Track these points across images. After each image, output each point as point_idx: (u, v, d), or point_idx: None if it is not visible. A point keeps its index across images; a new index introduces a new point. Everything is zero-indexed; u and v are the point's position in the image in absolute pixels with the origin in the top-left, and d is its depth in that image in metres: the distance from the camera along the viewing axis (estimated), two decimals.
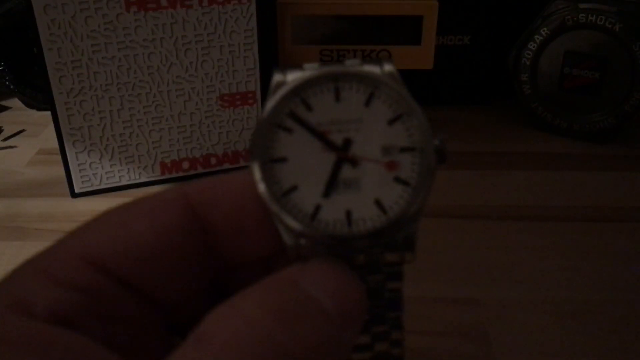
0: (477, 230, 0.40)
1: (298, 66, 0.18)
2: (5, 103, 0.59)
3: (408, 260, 0.17)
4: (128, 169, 0.45)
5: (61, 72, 0.41)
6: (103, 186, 0.45)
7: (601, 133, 0.50)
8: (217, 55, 0.43)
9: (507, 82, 0.53)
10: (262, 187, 0.17)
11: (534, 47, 0.50)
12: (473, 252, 0.38)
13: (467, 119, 0.55)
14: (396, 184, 0.17)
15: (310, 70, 0.18)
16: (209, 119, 0.45)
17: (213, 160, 0.47)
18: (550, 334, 0.32)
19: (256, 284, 0.15)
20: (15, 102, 0.58)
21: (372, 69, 0.18)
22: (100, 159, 0.44)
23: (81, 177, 0.44)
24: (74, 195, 0.45)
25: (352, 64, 0.18)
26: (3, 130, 0.54)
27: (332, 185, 0.17)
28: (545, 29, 0.49)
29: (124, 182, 0.45)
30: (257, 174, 0.17)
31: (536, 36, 0.50)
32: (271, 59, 0.47)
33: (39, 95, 0.56)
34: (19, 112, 0.57)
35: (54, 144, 0.43)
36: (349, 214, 0.17)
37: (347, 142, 0.17)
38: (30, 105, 0.57)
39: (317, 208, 0.17)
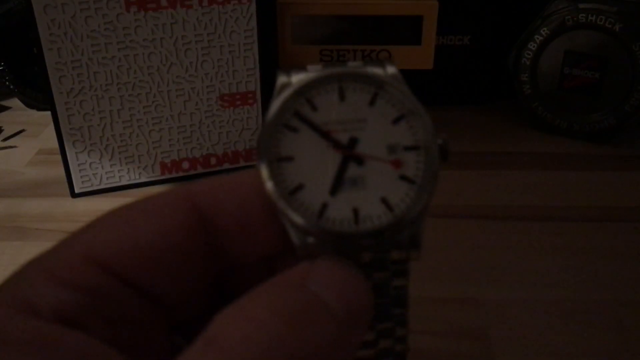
0: (478, 230, 0.40)
1: (302, 67, 0.18)
2: (5, 103, 0.59)
3: (414, 258, 0.18)
4: (128, 169, 0.45)
5: (61, 72, 0.41)
6: (103, 186, 0.45)
7: (601, 133, 0.50)
8: (217, 55, 0.43)
9: (507, 82, 0.53)
10: (269, 185, 0.17)
11: (534, 47, 0.50)
12: (473, 252, 0.38)
13: (467, 119, 0.55)
14: (402, 182, 0.17)
15: (314, 71, 0.18)
16: (209, 119, 0.45)
17: (213, 160, 0.47)
18: (550, 334, 0.32)
19: (263, 285, 0.15)
20: (15, 102, 0.58)
21: (375, 70, 0.18)
22: (100, 159, 0.44)
23: (81, 177, 0.44)
24: (74, 195, 0.44)
25: (355, 66, 0.18)
26: (3, 130, 0.54)
27: (338, 184, 0.17)
28: (545, 29, 0.49)
29: (124, 182, 0.45)
30: (264, 172, 0.17)
31: (536, 36, 0.50)
32: (271, 59, 0.47)
33: (39, 95, 0.56)
34: (19, 112, 0.57)
35: (54, 144, 0.43)
36: (356, 211, 0.17)
37: (353, 141, 0.17)
38: (30, 105, 0.57)
39: (324, 206, 0.17)
